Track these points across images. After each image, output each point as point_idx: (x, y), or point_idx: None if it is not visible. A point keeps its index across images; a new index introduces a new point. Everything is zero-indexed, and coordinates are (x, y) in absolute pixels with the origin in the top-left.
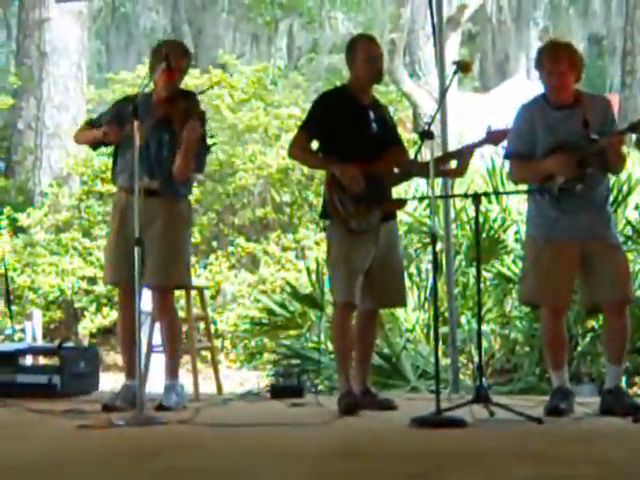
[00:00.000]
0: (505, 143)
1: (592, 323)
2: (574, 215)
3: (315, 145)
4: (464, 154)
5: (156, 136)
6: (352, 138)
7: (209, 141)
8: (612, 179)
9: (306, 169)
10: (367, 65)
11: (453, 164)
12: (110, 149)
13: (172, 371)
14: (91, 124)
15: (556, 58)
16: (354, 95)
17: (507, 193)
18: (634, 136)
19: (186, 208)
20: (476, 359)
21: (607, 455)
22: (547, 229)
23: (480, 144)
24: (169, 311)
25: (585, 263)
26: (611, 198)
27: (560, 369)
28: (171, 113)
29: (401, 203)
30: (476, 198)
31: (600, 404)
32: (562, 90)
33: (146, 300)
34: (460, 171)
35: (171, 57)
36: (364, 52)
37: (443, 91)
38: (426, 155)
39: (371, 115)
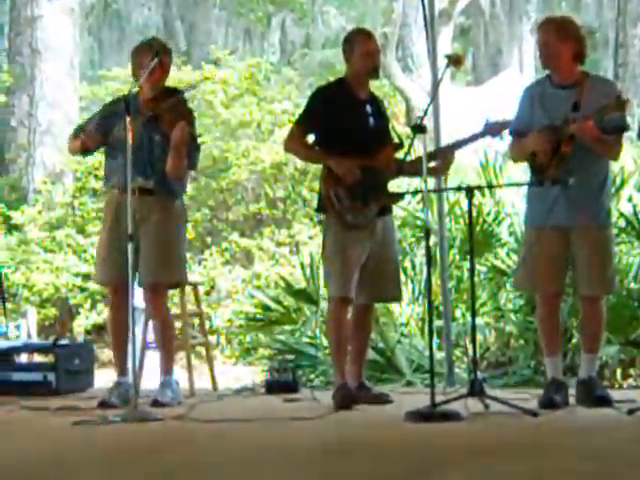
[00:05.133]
0: (505, 134)
1: None
2: (567, 204)
3: (311, 139)
4: (446, 154)
5: (147, 136)
6: (349, 132)
7: (198, 140)
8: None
9: (300, 164)
10: (364, 60)
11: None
12: (102, 150)
13: (167, 367)
14: (80, 129)
15: (542, 29)
16: (351, 89)
17: (500, 186)
18: (635, 129)
19: (180, 206)
20: (471, 352)
21: (603, 447)
22: (540, 218)
23: (478, 136)
24: (161, 309)
25: (572, 253)
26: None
27: (554, 355)
28: (158, 112)
29: (398, 197)
30: (469, 191)
31: (575, 395)
32: (551, 61)
33: (140, 297)
34: (442, 170)
35: (162, 55)
36: (361, 47)
37: (435, 85)
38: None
39: (368, 109)
